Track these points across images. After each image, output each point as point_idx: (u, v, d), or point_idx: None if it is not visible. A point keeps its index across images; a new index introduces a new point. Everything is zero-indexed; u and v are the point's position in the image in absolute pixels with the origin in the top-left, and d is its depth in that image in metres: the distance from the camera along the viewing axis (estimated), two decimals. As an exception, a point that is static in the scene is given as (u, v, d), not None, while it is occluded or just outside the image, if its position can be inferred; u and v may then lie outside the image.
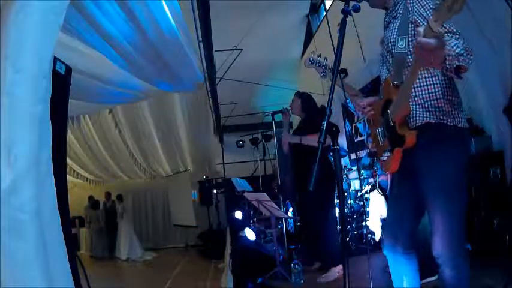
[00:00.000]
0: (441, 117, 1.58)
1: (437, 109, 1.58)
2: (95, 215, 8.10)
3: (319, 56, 2.23)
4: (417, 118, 1.62)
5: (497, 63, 3.04)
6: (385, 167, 1.71)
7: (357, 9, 1.54)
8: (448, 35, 1.45)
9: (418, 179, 1.63)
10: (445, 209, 1.56)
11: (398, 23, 1.66)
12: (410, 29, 1.59)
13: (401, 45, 1.61)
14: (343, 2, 1.53)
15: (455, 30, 1.48)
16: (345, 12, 1.52)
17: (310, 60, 2.22)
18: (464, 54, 1.37)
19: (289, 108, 3.94)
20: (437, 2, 1.47)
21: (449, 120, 1.57)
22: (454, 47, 1.37)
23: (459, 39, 1.42)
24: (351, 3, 1.54)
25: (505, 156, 2.98)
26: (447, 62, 1.34)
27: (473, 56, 1.42)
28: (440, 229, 1.57)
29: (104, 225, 8.11)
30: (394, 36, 1.66)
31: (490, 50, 3.05)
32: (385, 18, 1.78)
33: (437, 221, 1.58)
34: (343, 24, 1.50)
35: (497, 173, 2.96)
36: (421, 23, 1.53)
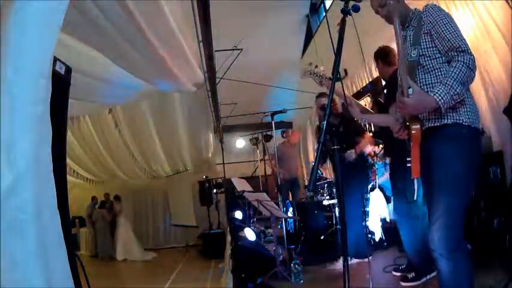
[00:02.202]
0: (457, 118, 1.65)
1: (453, 110, 1.65)
2: (101, 214, 8.09)
3: (316, 66, 2.29)
4: (435, 120, 1.69)
5: (497, 63, 3.04)
6: (411, 172, 1.72)
7: (356, 9, 1.56)
8: (451, 53, 1.62)
9: (431, 172, 1.68)
10: (445, 202, 1.61)
11: (412, 34, 1.77)
12: (422, 39, 1.72)
13: (414, 54, 1.73)
14: (343, 2, 1.54)
15: (459, 44, 1.60)
16: (345, 12, 1.53)
17: (306, 72, 2.28)
18: (459, 92, 1.56)
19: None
20: (445, 18, 1.65)
21: (464, 121, 1.65)
22: (450, 90, 1.56)
23: (458, 63, 1.57)
24: (351, 3, 1.55)
25: (505, 156, 2.98)
26: (443, 109, 1.58)
27: (475, 71, 1.59)
28: (438, 221, 1.61)
29: (109, 224, 8.10)
30: (410, 47, 1.79)
31: (491, 50, 3.05)
32: (402, 32, 1.85)
33: (436, 214, 1.63)
34: (343, 24, 1.51)
35: (497, 173, 2.95)
36: (434, 34, 1.68)
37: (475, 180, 1.70)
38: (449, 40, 1.63)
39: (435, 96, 1.57)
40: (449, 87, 1.56)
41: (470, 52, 1.60)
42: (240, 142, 8.29)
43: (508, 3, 2.81)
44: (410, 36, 1.79)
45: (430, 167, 1.69)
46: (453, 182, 1.61)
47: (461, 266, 1.59)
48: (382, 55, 2.98)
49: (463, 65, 1.57)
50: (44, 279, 1.12)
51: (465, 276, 1.60)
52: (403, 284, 2.77)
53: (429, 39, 1.70)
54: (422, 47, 1.72)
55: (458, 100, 1.60)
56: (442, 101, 1.56)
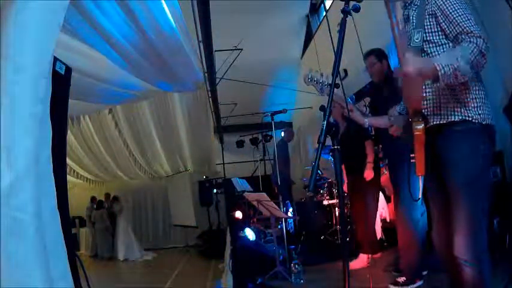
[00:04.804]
0: (465, 114, 1.53)
1: (460, 106, 1.54)
2: (100, 215, 8.09)
3: (317, 71, 2.29)
4: (441, 116, 1.58)
5: (497, 62, 3.04)
6: (415, 170, 1.62)
7: (356, 9, 1.55)
8: (461, 36, 1.45)
9: (444, 175, 1.59)
10: (466, 207, 1.51)
11: (415, 15, 1.61)
12: (426, 22, 1.56)
13: (417, 39, 1.57)
14: (343, 2, 1.53)
15: (471, 29, 1.44)
16: (345, 12, 1.52)
17: (309, 78, 2.28)
18: (464, 70, 1.38)
19: None
20: None
21: (474, 117, 1.52)
22: (454, 63, 1.36)
23: (470, 44, 1.40)
24: (351, 3, 1.54)
25: (505, 156, 2.98)
26: (441, 81, 1.38)
27: (487, 58, 1.43)
28: (461, 227, 1.51)
29: (110, 224, 8.10)
30: (412, 30, 1.63)
31: (491, 50, 3.05)
32: (404, 11, 1.73)
33: (458, 219, 1.53)
34: (343, 24, 1.51)
35: (497, 173, 2.95)
36: (440, 17, 1.52)
37: (489, 177, 1.62)
38: (458, 24, 1.45)
39: (435, 63, 1.37)
40: (454, 59, 1.37)
41: (484, 38, 1.41)
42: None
43: (508, 3, 2.81)
44: (413, 16, 1.62)
45: (439, 167, 1.60)
46: (470, 186, 1.51)
47: (487, 272, 1.51)
48: (385, 54, 2.98)
49: (475, 47, 1.39)
50: (44, 279, 1.12)
51: (488, 277, 1.51)
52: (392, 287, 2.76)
53: (434, 22, 1.54)
54: (427, 31, 1.55)
55: (462, 80, 1.42)
56: (443, 71, 1.36)
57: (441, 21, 1.51)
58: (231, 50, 6.30)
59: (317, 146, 1.31)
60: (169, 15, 2.61)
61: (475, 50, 1.39)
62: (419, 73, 1.40)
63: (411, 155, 1.62)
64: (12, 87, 1.13)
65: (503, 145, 3.04)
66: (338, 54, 1.46)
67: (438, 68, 1.37)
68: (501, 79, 3.06)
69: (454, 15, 1.46)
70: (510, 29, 2.79)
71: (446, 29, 1.51)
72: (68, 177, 5.40)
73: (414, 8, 1.63)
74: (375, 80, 3.01)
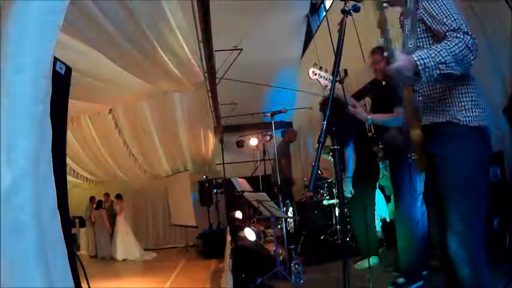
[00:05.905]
0: (450, 116, 1.54)
1: (446, 107, 1.54)
2: (100, 215, 8.10)
3: (321, 68, 2.29)
4: (425, 117, 1.59)
5: (497, 63, 3.04)
6: (415, 166, 1.64)
7: (356, 9, 1.55)
8: (448, 33, 1.44)
9: (434, 175, 1.60)
10: (454, 208, 1.52)
11: (408, 23, 1.62)
12: (418, 27, 1.57)
13: (410, 45, 1.57)
14: (343, 2, 1.53)
15: (458, 26, 1.44)
16: (345, 12, 1.52)
17: (314, 73, 2.27)
18: (447, 62, 1.37)
19: None
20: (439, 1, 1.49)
21: (460, 120, 1.52)
22: (435, 56, 1.37)
23: (455, 39, 1.40)
24: (351, 3, 1.54)
25: (505, 156, 2.98)
26: (422, 76, 1.37)
27: (475, 54, 1.41)
28: (451, 228, 1.52)
29: (110, 224, 8.10)
30: (407, 33, 1.64)
31: (490, 50, 3.05)
32: (399, 16, 1.75)
33: (449, 219, 1.53)
34: (343, 24, 1.51)
35: (497, 173, 2.95)
36: (427, 20, 1.53)
37: (484, 179, 1.58)
38: (445, 24, 1.46)
39: (414, 55, 1.37)
40: (435, 53, 1.38)
41: (472, 34, 1.42)
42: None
43: (508, 3, 2.81)
44: (407, 23, 1.63)
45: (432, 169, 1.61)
46: (458, 187, 1.51)
47: (483, 272, 1.49)
48: None
49: (460, 41, 1.39)
50: (44, 279, 1.12)
51: (485, 278, 1.50)
52: None
53: (423, 28, 1.56)
54: (418, 36, 1.56)
55: (446, 72, 1.39)
56: (422, 61, 1.36)
57: (430, 24, 1.52)
58: (231, 50, 6.31)
59: (317, 146, 1.31)
60: (170, 15, 2.61)
61: (460, 43, 1.39)
62: (402, 68, 1.39)
63: (412, 154, 1.62)
64: (12, 87, 1.13)
65: (503, 145, 3.04)
66: (338, 54, 1.46)
67: (416, 59, 1.37)
68: (501, 79, 3.06)
69: (441, 16, 1.48)
70: (510, 29, 2.79)
71: (436, 31, 1.51)
72: (68, 177, 5.40)
73: (408, 15, 1.64)
74: (379, 78, 2.98)
